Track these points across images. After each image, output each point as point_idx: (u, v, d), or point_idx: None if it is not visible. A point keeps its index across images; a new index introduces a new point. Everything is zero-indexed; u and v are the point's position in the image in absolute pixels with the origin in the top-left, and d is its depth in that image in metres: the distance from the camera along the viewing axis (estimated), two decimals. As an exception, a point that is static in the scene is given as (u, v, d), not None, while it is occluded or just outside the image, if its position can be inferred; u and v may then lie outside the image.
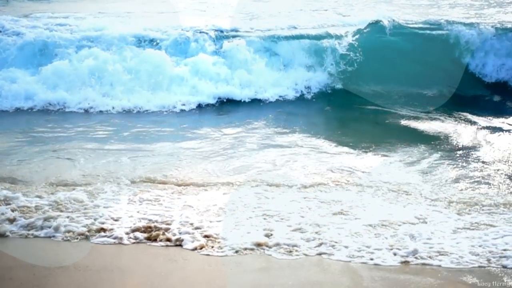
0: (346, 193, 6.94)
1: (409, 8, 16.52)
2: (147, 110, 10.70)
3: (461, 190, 7.02)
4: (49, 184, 7.16)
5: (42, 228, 6.02)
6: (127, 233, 5.92)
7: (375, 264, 5.37)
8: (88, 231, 5.94)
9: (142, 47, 12.02)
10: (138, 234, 5.92)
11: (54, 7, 16.68)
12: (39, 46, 11.92)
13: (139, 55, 11.69)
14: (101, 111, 10.61)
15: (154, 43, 12.20)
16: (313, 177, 7.43)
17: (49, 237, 5.86)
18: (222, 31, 12.77)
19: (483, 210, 6.47)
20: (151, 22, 13.55)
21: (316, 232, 5.93)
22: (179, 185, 7.17)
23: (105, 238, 5.83)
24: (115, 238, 5.84)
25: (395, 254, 5.52)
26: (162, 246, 5.74)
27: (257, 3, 17.99)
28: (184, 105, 10.88)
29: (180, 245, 5.73)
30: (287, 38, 12.51)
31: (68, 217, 6.21)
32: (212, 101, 11.15)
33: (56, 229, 5.95)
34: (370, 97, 11.20)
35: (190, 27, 12.82)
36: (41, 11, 16.03)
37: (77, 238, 5.83)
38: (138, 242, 5.78)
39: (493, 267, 5.30)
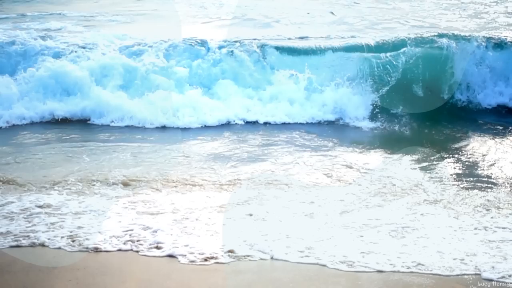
0: (345, 192, 6.95)
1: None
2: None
3: (463, 193, 6.98)
4: (44, 183, 7.16)
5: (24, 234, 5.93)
6: (120, 238, 5.84)
7: (372, 269, 5.30)
8: (75, 235, 5.87)
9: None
10: (131, 239, 5.83)
11: (49, 8, 16.53)
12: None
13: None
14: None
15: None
16: (312, 177, 7.46)
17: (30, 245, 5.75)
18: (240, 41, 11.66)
19: (483, 213, 6.43)
20: (148, 29, 13.31)
21: (312, 234, 5.90)
22: (175, 185, 7.15)
23: (95, 244, 5.71)
24: (107, 243, 5.74)
25: (389, 259, 5.46)
26: (156, 250, 5.65)
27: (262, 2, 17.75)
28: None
29: (174, 250, 5.63)
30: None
31: (54, 223, 6.12)
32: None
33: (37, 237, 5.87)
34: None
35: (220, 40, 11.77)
36: (36, 10, 15.91)
37: (69, 246, 5.71)
38: (128, 249, 5.66)
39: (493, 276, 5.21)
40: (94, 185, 7.12)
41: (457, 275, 5.17)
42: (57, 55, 10.98)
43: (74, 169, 7.63)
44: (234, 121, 10.01)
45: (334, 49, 11.14)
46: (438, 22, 14.35)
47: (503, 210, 6.47)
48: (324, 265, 5.33)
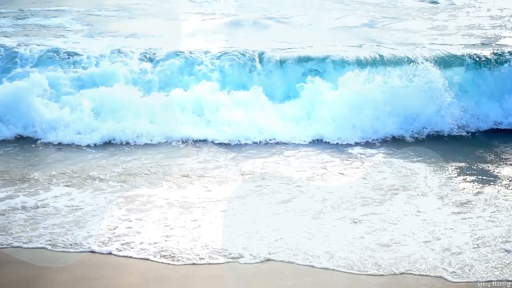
0: (346, 188, 7.09)
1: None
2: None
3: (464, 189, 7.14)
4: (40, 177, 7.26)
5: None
6: (109, 237, 5.84)
7: (364, 271, 5.36)
8: (58, 234, 5.87)
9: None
10: (120, 238, 5.82)
11: (50, 3, 16.43)
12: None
13: None
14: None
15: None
16: (315, 173, 7.60)
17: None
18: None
19: (483, 208, 6.58)
20: (148, 30, 12.89)
21: (307, 234, 5.99)
22: (176, 180, 7.26)
23: (80, 245, 5.68)
24: (96, 243, 5.72)
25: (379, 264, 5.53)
26: (145, 250, 5.63)
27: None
28: None
29: (162, 249, 5.65)
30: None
31: (38, 222, 6.13)
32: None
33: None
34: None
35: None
36: (36, 6, 15.86)
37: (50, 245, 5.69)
38: (116, 249, 5.63)
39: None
40: (90, 179, 7.22)
41: (439, 276, 5.24)
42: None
43: (73, 163, 7.78)
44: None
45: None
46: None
47: (504, 207, 6.59)
48: (326, 268, 5.38)
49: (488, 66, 10.28)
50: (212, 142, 8.74)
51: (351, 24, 14.09)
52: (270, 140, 8.85)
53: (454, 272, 5.28)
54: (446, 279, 5.19)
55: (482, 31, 12.99)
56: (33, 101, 9.25)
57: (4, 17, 14.12)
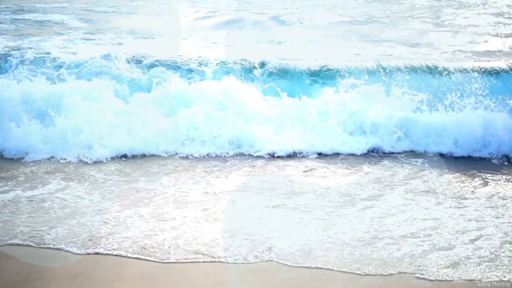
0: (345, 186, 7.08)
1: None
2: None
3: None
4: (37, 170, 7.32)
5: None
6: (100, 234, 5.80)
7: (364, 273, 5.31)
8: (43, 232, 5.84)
9: None
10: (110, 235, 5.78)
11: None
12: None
13: None
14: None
15: None
16: (317, 166, 7.68)
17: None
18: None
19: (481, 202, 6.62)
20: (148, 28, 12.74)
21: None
22: (178, 173, 7.31)
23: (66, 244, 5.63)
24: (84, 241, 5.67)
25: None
26: (135, 248, 5.59)
27: None
28: None
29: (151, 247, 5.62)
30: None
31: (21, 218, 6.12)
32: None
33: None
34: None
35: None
36: (36, 2, 15.86)
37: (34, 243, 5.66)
38: (105, 248, 5.59)
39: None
40: (88, 174, 7.24)
41: (428, 275, 5.22)
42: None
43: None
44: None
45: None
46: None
47: (503, 205, 6.57)
48: (331, 269, 5.34)
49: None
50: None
51: (351, 21, 13.97)
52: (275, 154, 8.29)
53: (440, 270, 5.26)
54: (433, 280, 5.15)
55: (487, 30, 12.93)
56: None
57: (2, 12, 14.08)
